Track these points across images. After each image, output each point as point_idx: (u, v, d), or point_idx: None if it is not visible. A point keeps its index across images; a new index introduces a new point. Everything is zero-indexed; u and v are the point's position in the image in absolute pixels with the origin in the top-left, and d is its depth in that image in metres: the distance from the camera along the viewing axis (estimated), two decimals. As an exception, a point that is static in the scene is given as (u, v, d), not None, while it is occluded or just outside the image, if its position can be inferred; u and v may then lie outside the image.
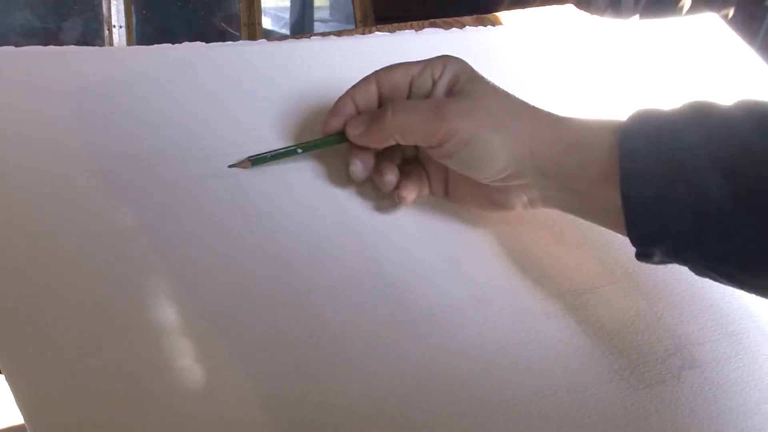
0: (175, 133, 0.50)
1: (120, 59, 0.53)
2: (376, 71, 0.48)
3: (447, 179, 0.51)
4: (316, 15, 2.96)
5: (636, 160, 0.41)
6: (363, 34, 0.65)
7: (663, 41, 0.73)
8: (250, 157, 0.48)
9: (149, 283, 0.43)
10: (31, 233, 0.43)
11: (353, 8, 2.02)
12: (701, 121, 0.42)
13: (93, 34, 2.17)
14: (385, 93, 0.48)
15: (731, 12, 2.04)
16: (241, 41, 0.58)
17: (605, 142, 0.43)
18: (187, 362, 0.41)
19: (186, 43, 0.55)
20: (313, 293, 0.46)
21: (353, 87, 0.49)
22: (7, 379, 0.37)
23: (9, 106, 0.47)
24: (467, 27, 0.68)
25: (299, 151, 0.49)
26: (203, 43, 0.56)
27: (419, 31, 0.64)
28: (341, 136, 0.49)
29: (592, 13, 0.81)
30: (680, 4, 2.04)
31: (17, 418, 0.36)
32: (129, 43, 2.11)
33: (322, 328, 0.44)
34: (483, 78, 0.47)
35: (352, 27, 2.23)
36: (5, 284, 0.41)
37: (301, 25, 2.85)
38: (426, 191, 0.51)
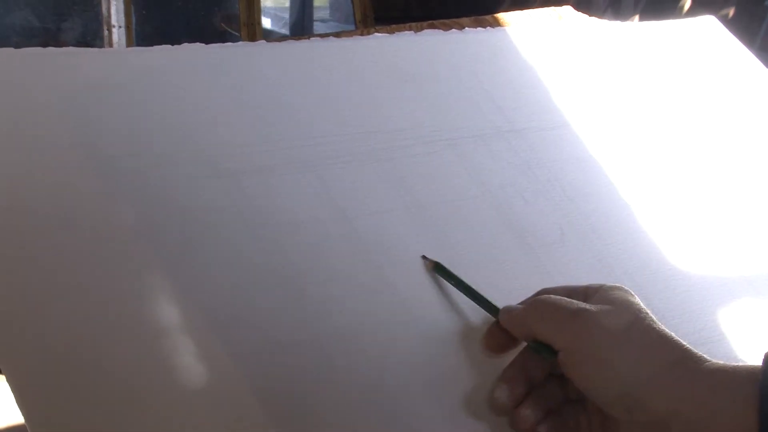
0: (174, 133, 0.50)
1: (119, 60, 0.53)
2: (543, 289, 0.47)
3: (608, 429, 0.43)
4: (316, 15, 2.96)
5: None
6: (362, 35, 0.65)
7: (660, 43, 0.73)
8: (439, 265, 0.49)
9: (149, 282, 0.43)
10: (31, 233, 0.43)
11: (353, 8, 2.02)
12: None
13: (92, 34, 2.17)
14: None
15: (731, 12, 2.05)
16: (240, 42, 0.58)
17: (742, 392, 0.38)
18: (186, 362, 0.41)
19: (185, 44, 0.55)
20: (312, 294, 0.46)
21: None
22: (7, 378, 0.37)
23: (8, 107, 0.48)
24: (466, 28, 0.68)
25: (468, 291, 0.48)
26: (203, 44, 0.56)
27: (418, 33, 0.64)
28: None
29: (591, 14, 0.81)
30: (680, 4, 2.04)
31: (17, 418, 0.36)
32: (128, 43, 2.11)
33: (321, 329, 0.45)
34: (635, 301, 0.43)
35: (351, 27, 2.23)
36: (5, 284, 0.41)
37: (301, 25, 2.86)
38: None
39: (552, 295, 0.44)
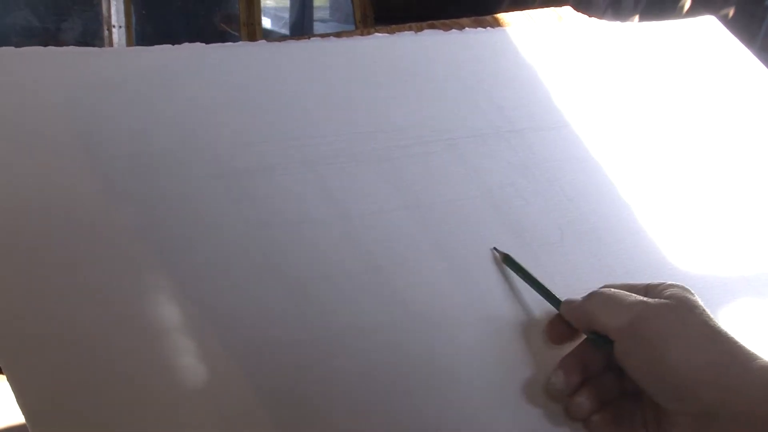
0: (174, 133, 0.50)
1: (120, 60, 0.53)
2: (605, 284, 0.47)
3: (661, 422, 0.44)
4: (316, 15, 2.96)
5: None
6: (362, 35, 0.65)
7: (661, 44, 0.73)
8: (510, 258, 0.51)
9: (149, 282, 0.43)
10: (32, 233, 0.43)
11: (353, 8, 2.02)
12: None
13: (92, 34, 2.17)
14: None
15: (731, 12, 2.04)
16: (240, 42, 0.58)
17: None
18: (187, 361, 0.41)
19: (186, 44, 0.55)
20: (312, 294, 0.46)
21: None
22: (8, 378, 0.38)
23: (9, 107, 0.48)
24: (466, 28, 0.68)
25: (534, 283, 0.50)
26: (203, 44, 0.56)
27: (418, 33, 0.64)
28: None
29: (592, 14, 0.81)
30: (680, 3, 2.04)
31: (18, 418, 0.36)
32: (128, 43, 2.11)
33: (321, 329, 0.45)
34: (693, 297, 0.44)
35: (351, 27, 2.23)
36: (5, 284, 0.41)
37: (301, 25, 2.86)
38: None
39: (611, 288, 0.46)
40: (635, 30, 0.74)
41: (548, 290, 0.49)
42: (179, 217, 0.46)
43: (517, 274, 0.50)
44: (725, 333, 0.42)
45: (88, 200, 0.45)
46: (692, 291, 0.45)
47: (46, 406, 0.38)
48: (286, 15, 2.97)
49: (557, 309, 0.48)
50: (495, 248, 0.52)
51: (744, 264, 0.58)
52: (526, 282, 0.50)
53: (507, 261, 0.51)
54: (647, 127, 0.65)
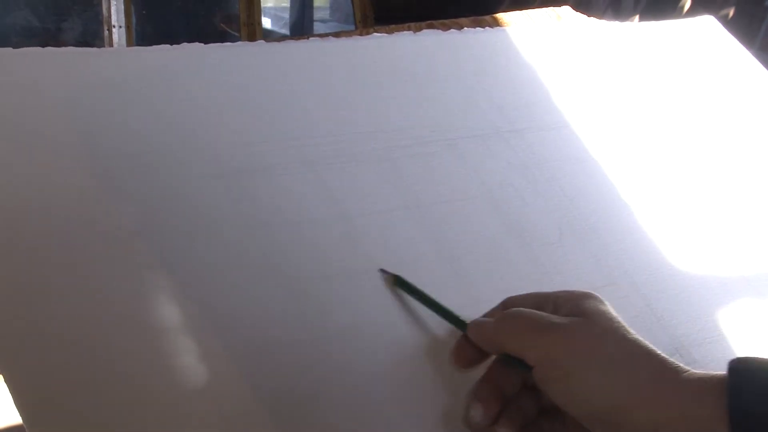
0: (174, 133, 0.50)
1: (120, 60, 0.53)
2: (509, 297, 0.46)
3: None
4: (316, 15, 2.97)
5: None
6: (361, 35, 0.65)
7: (660, 44, 0.73)
8: (399, 278, 0.47)
9: (149, 282, 0.43)
10: (32, 233, 0.43)
11: (353, 8, 2.02)
12: None
13: (92, 34, 2.17)
14: None
15: (731, 12, 2.04)
16: (240, 42, 0.58)
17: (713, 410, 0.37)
18: (187, 361, 0.41)
19: (185, 44, 0.55)
20: (312, 294, 0.46)
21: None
22: (6, 379, 0.37)
23: (9, 107, 0.48)
24: (465, 28, 0.68)
25: (433, 305, 0.46)
26: (202, 44, 0.56)
27: (417, 33, 0.64)
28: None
29: (591, 14, 0.81)
30: (680, 4, 2.04)
31: (16, 418, 0.36)
32: (129, 43, 2.11)
33: (321, 329, 0.45)
34: (606, 310, 0.42)
35: (351, 27, 2.23)
36: (5, 284, 0.41)
37: (301, 25, 2.86)
38: None
39: (522, 309, 0.43)
40: (635, 30, 0.74)
41: (450, 311, 0.45)
42: (179, 217, 0.46)
43: (411, 296, 0.47)
44: (645, 346, 0.40)
45: (88, 200, 0.45)
46: (602, 299, 0.43)
47: (44, 407, 0.38)
48: (286, 15, 2.97)
49: (462, 331, 0.45)
50: (383, 269, 0.48)
51: (744, 264, 0.58)
52: (423, 303, 0.46)
53: (398, 283, 0.47)
54: (647, 128, 0.65)
